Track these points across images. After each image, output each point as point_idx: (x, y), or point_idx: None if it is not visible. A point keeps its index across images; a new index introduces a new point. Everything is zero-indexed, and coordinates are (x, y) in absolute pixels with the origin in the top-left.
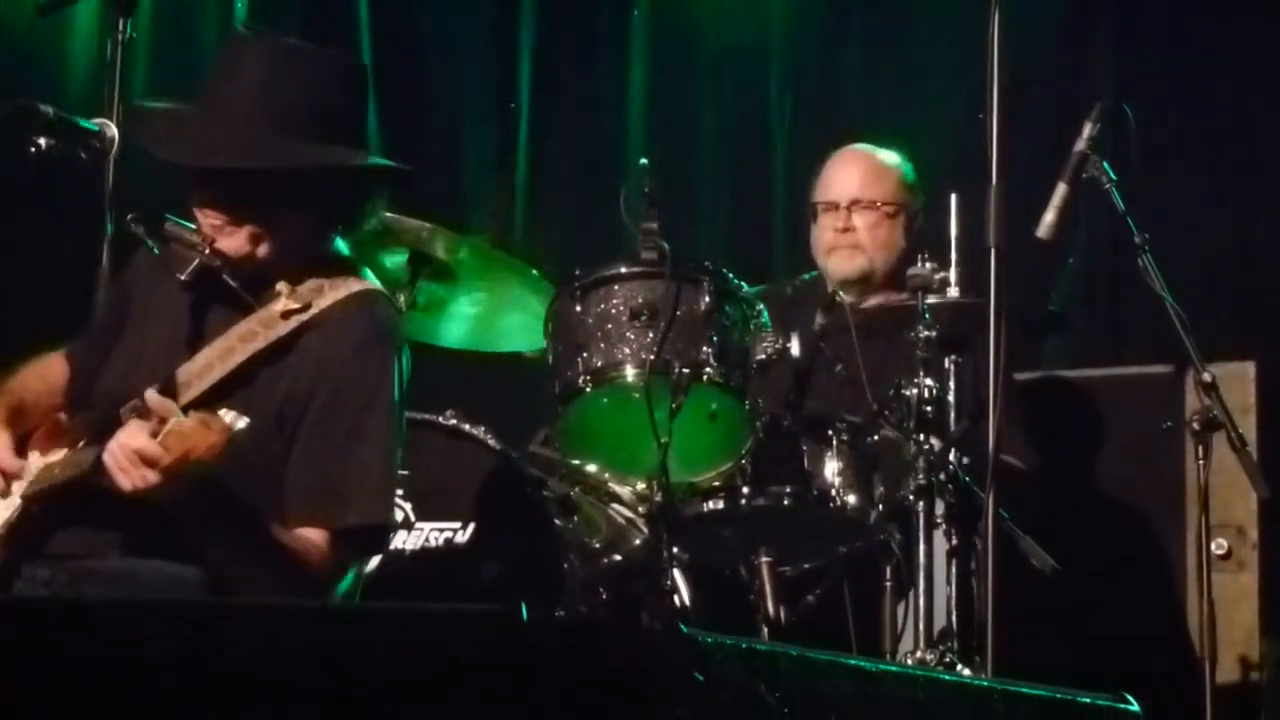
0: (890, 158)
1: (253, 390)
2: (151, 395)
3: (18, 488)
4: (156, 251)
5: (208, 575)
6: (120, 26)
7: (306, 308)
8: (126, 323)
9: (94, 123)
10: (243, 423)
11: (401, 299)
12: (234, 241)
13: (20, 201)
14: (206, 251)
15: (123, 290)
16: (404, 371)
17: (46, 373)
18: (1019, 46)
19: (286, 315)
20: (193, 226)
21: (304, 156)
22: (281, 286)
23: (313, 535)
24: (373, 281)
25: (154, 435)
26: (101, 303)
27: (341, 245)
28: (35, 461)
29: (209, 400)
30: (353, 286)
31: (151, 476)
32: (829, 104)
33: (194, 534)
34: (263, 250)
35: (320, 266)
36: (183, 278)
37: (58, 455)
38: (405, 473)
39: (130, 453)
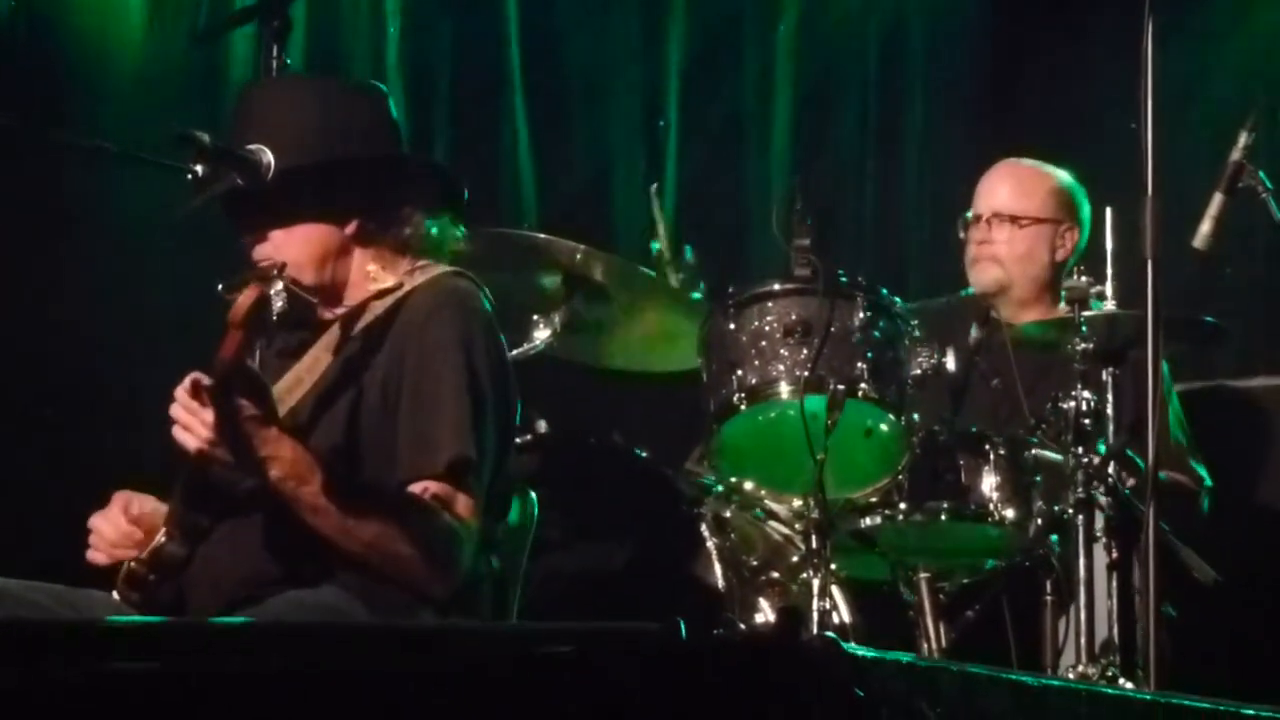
0: (1044, 172)
1: (360, 375)
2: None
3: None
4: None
5: (343, 590)
6: (274, 52)
7: (399, 286)
8: None
9: (250, 149)
10: (278, 285)
11: (556, 320)
12: (293, 272)
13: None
14: (276, 274)
15: None
16: (486, 330)
17: None
18: (1174, 55)
19: (381, 295)
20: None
21: (309, 157)
22: (372, 268)
23: (422, 488)
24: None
25: None
26: None
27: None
28: None
29: (316, 400)
30: (443, 269)
31: (207, 417)
32: (979, 119)
33: (328, 527)
34: (317, 271)
35: (406, 270)
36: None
37: None
38: (561, 492)
39: (184, 400)
